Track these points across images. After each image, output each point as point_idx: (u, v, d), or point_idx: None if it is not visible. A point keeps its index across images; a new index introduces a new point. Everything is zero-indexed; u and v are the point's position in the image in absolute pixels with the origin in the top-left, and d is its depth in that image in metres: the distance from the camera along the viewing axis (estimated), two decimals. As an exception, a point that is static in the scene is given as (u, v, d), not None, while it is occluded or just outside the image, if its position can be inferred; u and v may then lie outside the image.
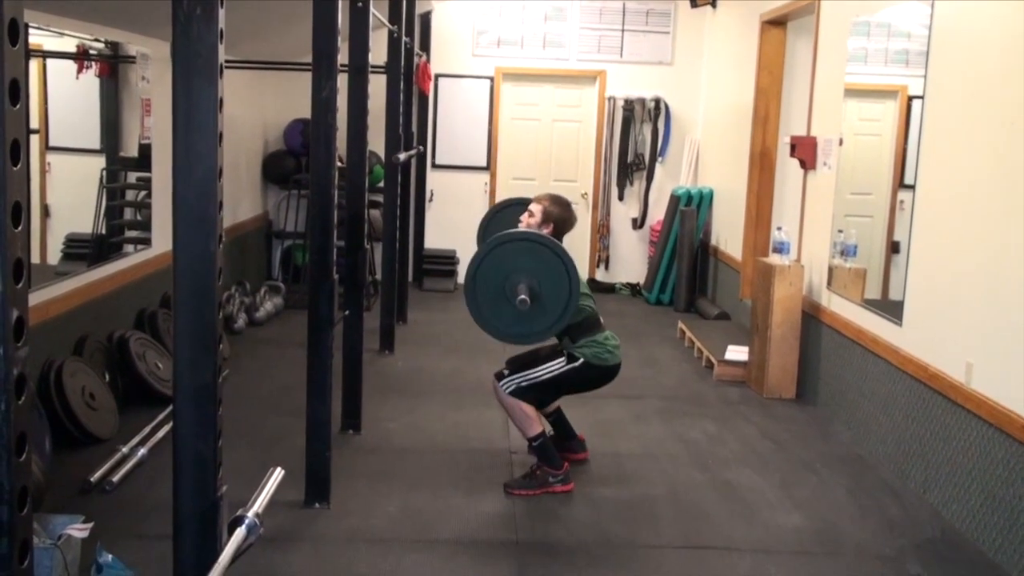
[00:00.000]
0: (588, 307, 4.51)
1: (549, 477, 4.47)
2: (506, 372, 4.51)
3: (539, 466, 4.52)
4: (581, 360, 4.46)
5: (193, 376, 1.96)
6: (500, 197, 9.61)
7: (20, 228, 1.15)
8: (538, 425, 4.51)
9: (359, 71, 4.91)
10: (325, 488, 4.16)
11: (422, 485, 4.50)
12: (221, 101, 1.93)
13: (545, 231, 4.50)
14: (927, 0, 4.67)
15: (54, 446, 4.43)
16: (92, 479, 4.18)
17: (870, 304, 5.29)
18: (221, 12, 1.89)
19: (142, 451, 4.46)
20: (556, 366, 4.46)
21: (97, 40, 5.48)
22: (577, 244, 9.85)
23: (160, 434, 4.68)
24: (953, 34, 4.46)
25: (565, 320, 4.26)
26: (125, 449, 4.44)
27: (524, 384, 4.45)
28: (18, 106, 1.14)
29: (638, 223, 9.80)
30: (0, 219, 1.11)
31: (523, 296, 4.07)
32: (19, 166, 1.14)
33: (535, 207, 4.61)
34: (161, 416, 4.86)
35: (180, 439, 1.98)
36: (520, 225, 4.64)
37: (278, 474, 2.45)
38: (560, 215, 4.60)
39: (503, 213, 5.11)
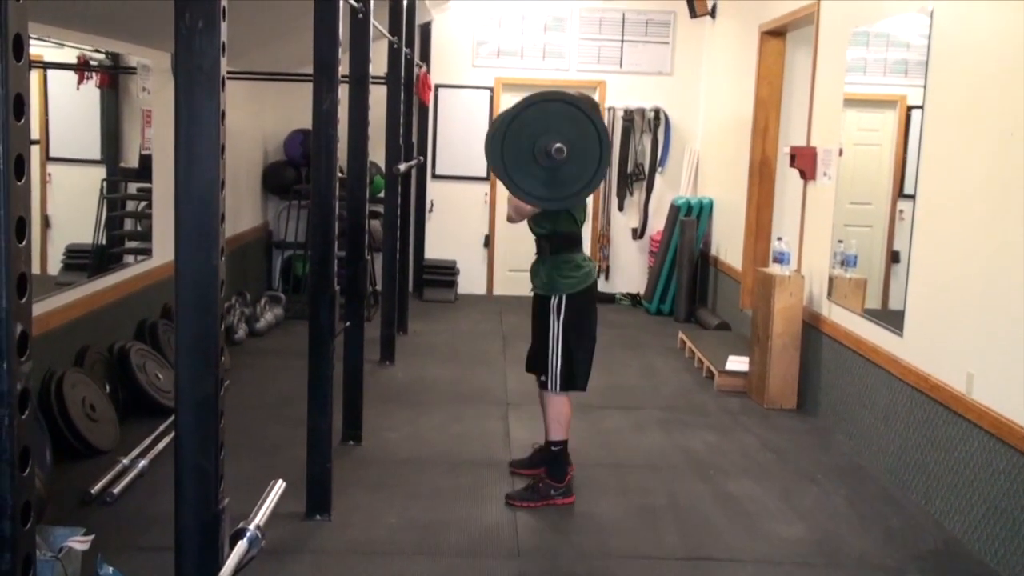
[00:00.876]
0: (579, 221, 4.47)
1: (551, 490, 4.47)
2: (542, 377, 4.49)
3: (541, 478, 4.52)
4: (564, 297, 4.38)
5: (194, 388, 1.96)
6: (500, 207, 9.63)
7: (24, 243, 1.16)
8: (566, 432, 4.50)
9: (360, 82, 4.92)
10: (326, 500, 4.15)
11: (423, 496, 4.49)
12: (223, 114, 1.93)
13: None
14: (926, 11, 4.68)
15: (54, 458, 4.42)
16: (93, 491, 4.17)
17: (870, 314, 5.30)
18: (223, 25, 1.90)
19: (143, 463, 4.45)
20: (555, 324, 4.39)
21: (98, 51, 5.48)
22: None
23: (161, 445, 4.68)
24: (952, 44, 4.47)
25: (592, 187, 4.12)
26: (126, 461, 4.43)
27: (561, 371, 4.41)
28: (22, 121, 1.14)
29: (638, 233, 9.81)
30: (4, 234, 1.11)
31: (559, 144, 3.90)
32: (23, 181, 1.14)
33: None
34: (162, 427, 4.85)
35: (181, 452, 1.98)
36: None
37: (279, 486, 2.45)
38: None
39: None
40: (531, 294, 4.61)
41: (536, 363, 4.55)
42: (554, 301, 4.40)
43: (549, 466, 4.52)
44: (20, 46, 1.13)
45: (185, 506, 1.96)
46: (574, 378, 4.46)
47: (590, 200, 9.59)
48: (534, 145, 4.00)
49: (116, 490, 4.20)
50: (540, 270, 4.47)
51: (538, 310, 4.53)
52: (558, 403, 4.48)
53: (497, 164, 4.11)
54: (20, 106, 1.13)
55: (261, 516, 2.18)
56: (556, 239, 4.42)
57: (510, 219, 4.50)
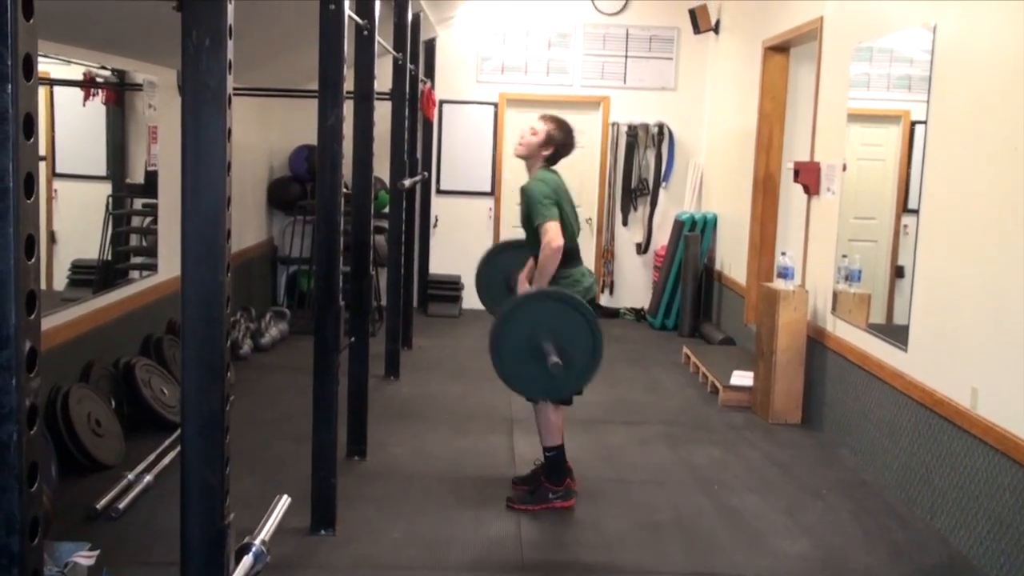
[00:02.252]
0: (573, 235, 4.51)
1: (549, 493, 4.52)
2: None
3: (540, 482, 4.56)
4: None
5: (201, 404, 1.97)
6: (504, 222, 9.67)
7: (33, 260, 1.17)
8: (560, 438, 4.55)
9: (365, 98, 4.94)
10: (331, 514, 4.15)
11: (428, 511, 4.49)
12: (230, 131, 1.94)
13: (543, 153, 4.53)
14: (929, 26, 4.70)
15: (60, 473, 4.43)
16: (98, 506, 4.17)
17: (875, 329, 5.30)
18: (230, 44, 1.91)
19: (148, 478, 4.46)
20: None
21: (104, 68, 5.51)
22: (581, 269, 9.87)
23: (166, 461, 4.68)
24: (955, 60, 4.48)
25: (590, 376, 4.22)
26: (131, 476, 4.44)
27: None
28: (31, 139, 1.15)
29: (642, 248, 9.82)
30: (13, 251, 1.12)
31: (555, 359, 3.99)
32: (32, 199, 1.16)
33: (539, 125, 4.58)
34: (167, 443, 4.86)
35: (188, 467, 1.98)
36: (519, 140, 4.63)
37: (284, 501, 2.46)
38: (562, 140, 4.57)
39: (502, 256, 5.14)
40: None
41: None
42: None
43: (547, 472, 4.56)
44: (30, 66, 1.14)
45: (191, 521, 1.97)
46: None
47: (593, 214, 9.67)
48: (528, 343, 4.12)
49: (121, 505, 4.21)
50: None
51: None
52: (546, 411, 4.53)
53: (499, 367, 4.26)
54: (30, 125, 1.15)
55: (266, 531, 2.19)
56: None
57: (548, 269, 4.44)
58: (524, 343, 4.11)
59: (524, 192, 4.48)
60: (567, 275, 4.45)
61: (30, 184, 1.15)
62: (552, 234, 4.28)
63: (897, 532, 4.44)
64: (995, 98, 4.10)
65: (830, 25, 6.15)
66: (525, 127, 4.67)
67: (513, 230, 9.37)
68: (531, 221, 4.41)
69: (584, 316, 4.11)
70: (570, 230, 4.48)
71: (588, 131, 9.76)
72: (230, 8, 1.92)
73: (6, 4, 1.10)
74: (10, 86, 1.11)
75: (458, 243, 9.72)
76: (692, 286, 8.95)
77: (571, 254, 4.50)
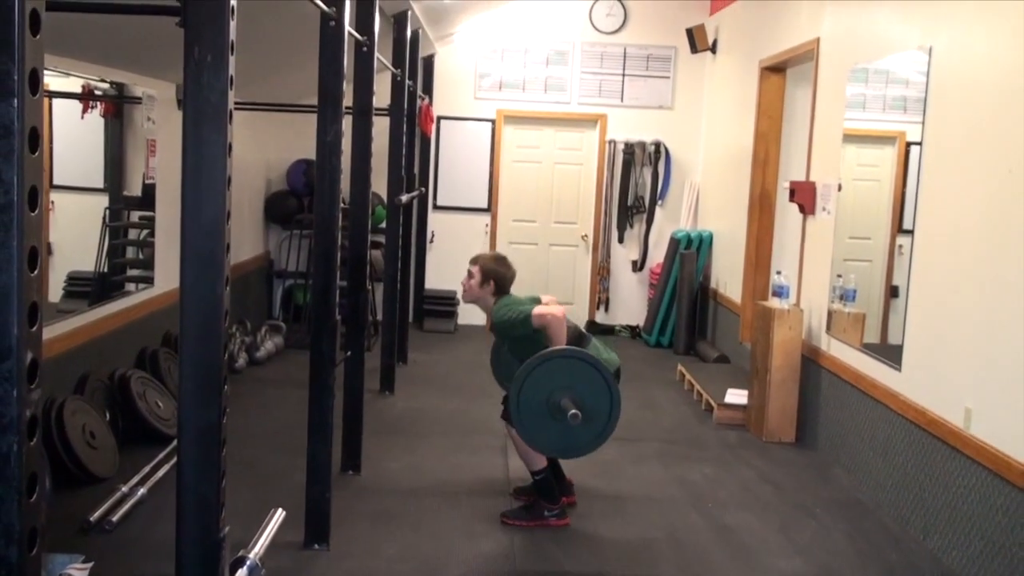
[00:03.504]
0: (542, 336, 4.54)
1: (545, 511, 4.54)
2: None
3: (536, 500, 4.58)
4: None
5: (198, 418, 1.97)
6: (501, 238, 9.68)
7: (35, 272, 1.18)
8: (543, 460, 4.55)
9: (363, 114, 4.96)
10: (325, 529, 4.14)
11: (422, 526, 4.49)
12: (230, 147, 1.96)
13: (488, 289, 4.66)
14: (925, 48, 4.73)
15: (54, 484, 4.43)
16: (92, 518, 4.17)
17: (869, 348, 5.31)
18: (232, 60, 1.93)
19: (142, 490, 4.46)
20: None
21: (103, 81, 5.53)
22: (577, 286, 9.89)
23: (160, 473, 4.68)
24: (951, 82, 4.51)
25: (609, 432, 4.26)
26: (125, 488, 4.44)
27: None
28: (36, 153, 1.17)
29: (638, 265, 9.84)
30: (17, 263, 1.14)
31: (574, 411, 4.03)
32: (36, 212, 1.17)
33: (473, 268, 4.72)
34: (161, 455, 4.86)
35: (184, 480, 1.99)
36: (461, 287, 4.81)
37: (279, 515, 2.47)
38: (496, 270, 4.70)
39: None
40: None
41: (508, 409, 4.59)
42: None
43: (540, 493, 4.58)
44: (36, 81, 1.16)
45: (186, 534, 1.97)
46: None
47: (589, 231, 9.69)
48: (547, 401, 4.17)
49: (115, 518, 4.21)
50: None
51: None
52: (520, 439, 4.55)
53: (519, 425, 4.27)
54: (35, 139, 1.16)
55: (261, 545, 2.20)
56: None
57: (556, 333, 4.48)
58: (543, 401, 4.17)
59: (497, 326, 4.63)
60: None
61: (34, 197, 1.16)
62: (544, 312, 4.38)
63: (890, 552, 4.44)
64: (990, 120, 4.12)
65: (826, 46, 6.19)
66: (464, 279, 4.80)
67: (509, 247, 9.41)
68: (515, 332, 4.50)
69: (599, 371, 4.17)
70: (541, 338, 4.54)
71: (585, 148, 9.80)
72: (232, 25, 1.94)
73: (14, 19, 1.11)
74: (16, 100, 1.12)
75: (454, 259, 9.71)
76: (687, 304, 8.96)
77: (574, 337, 4.58)
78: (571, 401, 4.08)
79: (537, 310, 4.39)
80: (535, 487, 4.61)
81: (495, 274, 4.67)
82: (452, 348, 8.75)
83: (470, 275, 4.70)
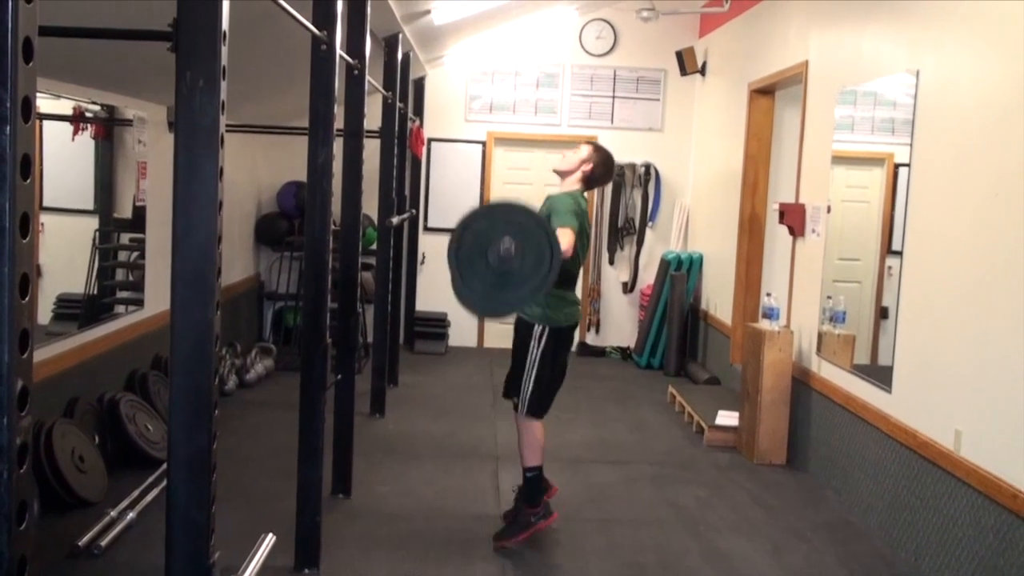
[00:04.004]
0: (579, 261, 4.52)
1: (531, 517, 4.54)
2: (515, 399, 4.58)
3: (518, 510, 4.59)
4: (547, 329, 4.49)
5: (188, 442, 1.97)
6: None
7: (26, 299, 1.17)
8: (540, 458, 4.56)
9: (354, 136, 4.97)
10: (315, 553, 4.12)
11: (412, 550, 4.47)
12: (222, 170, 1.96)
13: (581, 175, 4.64)
14: (912, 71, 4.76)
15: (42, 508, 4.40)
16: (80, 543, 4.14)
17: (859, 370, 5.32)
18: (223, 84, 1.94)
19: (131, 515, 4.43)
20: (534, 350, 4.50)
21: (93, 103, 5.53)
22: (568, 307, 9.88)
23: (149, 497, 4.66)
24: (938, 104, 4.54)
25: (543, 290, 4.00)
26: (114, 513, 4.41)
27: (531, 395, 4.51)
28: (28, 180, 1.17)
29: (628, 287, 9.85)
30: (8, 290, 1.13)
31: (508, 246, 3.84)
32: (27, 239, 1.17)
33: (585, 150, 4.72)
34: (151, 479, 4.83)
35: (174, 505, 1.98)
36: (562, 156, 4.77)
37: (269, 541, 2.45)
38: (601, 174, 4.74)
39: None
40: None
41: (511, 387, 4.64)
42: (537, 330, 4.51)
43: (525, 495, 4.58)
44: (28, 108, 1.16)
45: (176, 560, 1.96)
46: (540, 406, 4.56)
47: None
48: (487, 251, 3.94)
49: (104, 542, 4.18)
50: None
51: (520, 335, 4.62)
52: (531, 429, 4.56)
53: (456, 279, 4.06)
54: (27, 166, 1.16)
55: (251, 571, 2.18)
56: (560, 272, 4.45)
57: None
58: (480, 248, 3.93)
59: (551, 199, 4.51)
60: (562, 296, 4.52)
61: (26, 224, 1.16)
62: (567, 242, 4.13)
63: (882, 575, 4.43)
64: (977, 142, 4.15)
65: (815, 69, 6.23)
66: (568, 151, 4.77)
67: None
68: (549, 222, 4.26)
69: (539, 223, 3.97)
70: (580, 256, 4.51)
71: (575, 170, 9.81)
72: (224, 50, 1.95)
73: (7, 47, 1.11)
74: (8, 127, 1.12)
75: (445, 281, 9.61)
76: (678, 325, 8.97)
77: (571, 277, 4.58)
78: (510, 245, 3.88)
79: (568, 237, 4.18)
80: (524, 485, 4.61)
81: (597, 171, 4.67)
82: (443, 370, 8.74)
83: (577, 151, 4.66)
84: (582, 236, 4.43)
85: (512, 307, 4.29)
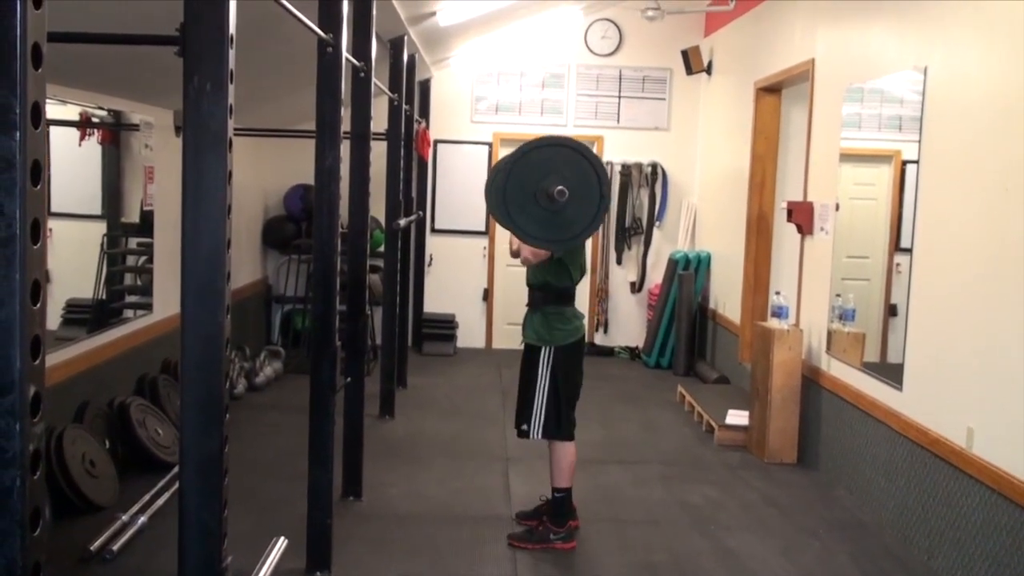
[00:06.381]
0: (574, 277, 4.57)
1: (551, 534, 4.52)
2: (523, 427, 4.56)
3: (542, 522, 4.57)
4: (551, 349, 4.50)
5: (200, 447, 1.97)
6: (499, 262, 9.67)
7: (38, 306, 1.17)
8: (569, 480, 4.57)
9: (361, 139, 4.97)
10: (326, 556, 4.12)
11: (423, 552, 4.46)
12: (230, 174, 1.96)
13: None
14: (920, 68, 4.75)
15: (54, 514, 4.40)
16: (92, 548, 4.14)
17: (869, 368, 5.30)
18: (231, 88, 1.93)
19: (142, 519, 4.43)
20: (543, 373, 4.50)
21: (100, 108, 5.54)
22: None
23: (160, 501, 4.66)
24: (946, 101, 4.53)
25: (594, 228, 4.20)
26: (125, 517, 4.41)
27: (547, 418, 4.50)
28: (39, 187, 1.17)
29: (636, 287, 9.84)
30: (19, 297, 1.13)
31: (560, 187, 4.00)
32: (38, 245, 1.16)
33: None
34: (162, 483, 4.84)
35: (186, 509, 1.98)
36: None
37: (281, 544, 2.45)
38: None
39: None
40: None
41: (519, 415, 4.62)
42: (544, 352, 4.51)
43: (552, 512, 4.57)
44: (38, 114, 1.16)
45: (189, 564, 1.96)
46: (559, 427, 4.54)
47: (589, 254, 9.67)
48: (536, 189, 4.07)
49: (116, 547, 4.18)
50: (531, 321, 4.59)
51: (527, 360, 4.62)
52: (561, 449, 4.55)
53: (500, 209, 4.16)
54: (37, 172, 1.16)
55: (263, 574, 2.18)
56: (550, 292, 4.54)
57: (526, 261, 4.53)
58: (530, 187, 4.08)
59: None
60: (559, 313, 4.54)
61: (36, 230, 1.16)
62: (528, 249, 4.38)
63: (894, 573, 4.42)
64: (986, 138, 4.14)
65: (821, 67, 6.21)
66: None
67: (507, 269, 9.42)
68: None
69: (592, 165, 4.16)
70: (576, 270, 4.57)
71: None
72: (231, 54, 1.94)
73: (16, 53, 1.11)
74: (18, 134, 1.12)
75: (452, 282, 9.74)
76: (686, 325, 8.96)
77: (566, 294, 4.59)
78: (560, 184, 4.03)
79: (527, 253, 4.44)
80: (551, 504, 4.60)
81: None
82: (451, 371, 8.73)
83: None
84: (576, 253, 4.52)
85: (570, 245, 4.35)
